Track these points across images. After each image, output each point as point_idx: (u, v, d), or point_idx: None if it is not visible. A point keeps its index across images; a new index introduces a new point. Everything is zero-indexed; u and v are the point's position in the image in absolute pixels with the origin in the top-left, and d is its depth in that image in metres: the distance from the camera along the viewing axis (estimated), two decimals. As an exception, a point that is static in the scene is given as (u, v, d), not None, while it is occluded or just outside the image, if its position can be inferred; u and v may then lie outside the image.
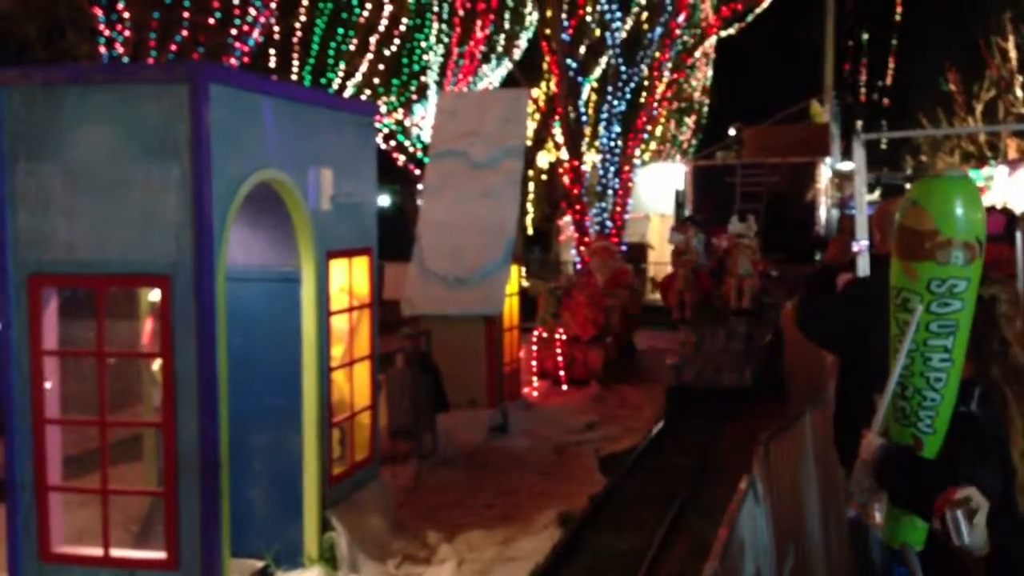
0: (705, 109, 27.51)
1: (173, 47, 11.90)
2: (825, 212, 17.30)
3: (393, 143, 17.26)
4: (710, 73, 26.61)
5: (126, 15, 11.55)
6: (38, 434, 5.06)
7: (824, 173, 17.40)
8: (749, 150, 19.93)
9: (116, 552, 5.10)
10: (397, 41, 16.68)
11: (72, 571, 5.07)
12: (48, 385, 5.17)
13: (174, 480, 4.95)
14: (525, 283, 16.95)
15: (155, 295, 5.06)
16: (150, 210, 4.83)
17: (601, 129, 16.37)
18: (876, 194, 28.45)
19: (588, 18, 16.56)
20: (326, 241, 5.90)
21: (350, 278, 6.38)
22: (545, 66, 16.90)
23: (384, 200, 29.77)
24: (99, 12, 11.56)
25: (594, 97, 18.00)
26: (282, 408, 5.87)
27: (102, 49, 11.69)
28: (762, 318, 12.14)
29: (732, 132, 23.25)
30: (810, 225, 16.80)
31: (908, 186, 4.50)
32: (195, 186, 4.77)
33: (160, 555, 5.01)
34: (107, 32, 11.63)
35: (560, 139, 15.86)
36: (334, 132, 6.12)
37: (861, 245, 4.77)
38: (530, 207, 20.03)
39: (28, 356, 5.02)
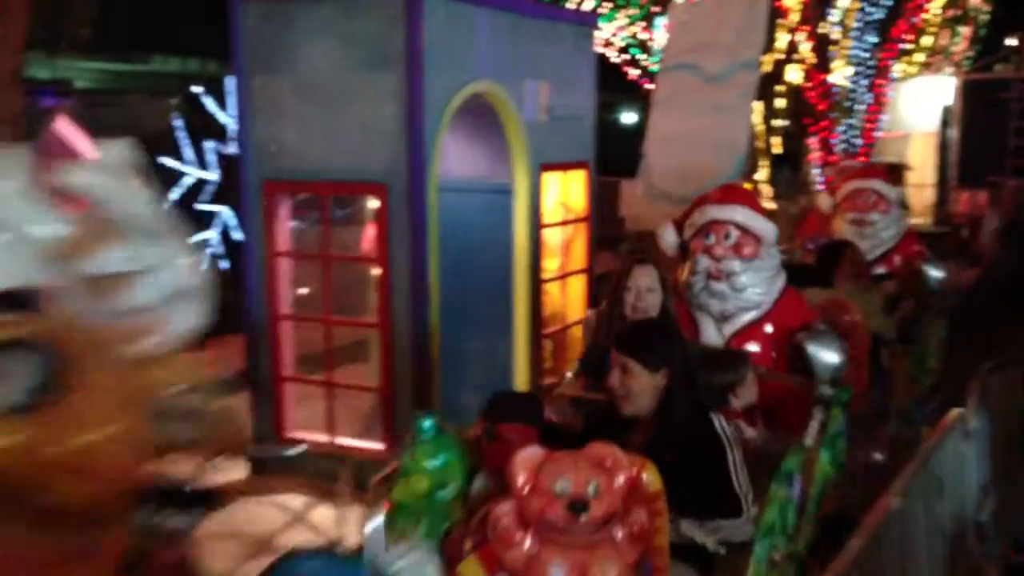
0: (985, 17, 24.81)
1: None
2: None
3: (627, 57, 16.86)
4: (994, -25, 23.89)
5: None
6: (273, 329, 5.52)
7: None
8: (1032, 62, 17.97)
9: (339, 440, 5.52)
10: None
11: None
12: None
13: (389, 378, 5.26)
14: (771, 204, 16.27)
15: (374, 202, 5.31)
16: (368, 120, 5.06)
17: (852, 41, 15.24)
18: None
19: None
20: (540, 154, 5.93)
21: (565, 191, 6.40)
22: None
23: (631, 117, 29.43)
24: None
25: (855, 5, 16.74)
26: (496, 317, 6.03)
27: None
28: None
29: (1012, 43, 20.96)
30: None
31: None
32: (409, 97, 4.92)
33: (378, 446, 5.36)
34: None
35: (806, 52, 14.92)
36: (551, 44, 6.09)
37: None
38: (778, 124, 19.04)
39: (264, 257, 5.46)
